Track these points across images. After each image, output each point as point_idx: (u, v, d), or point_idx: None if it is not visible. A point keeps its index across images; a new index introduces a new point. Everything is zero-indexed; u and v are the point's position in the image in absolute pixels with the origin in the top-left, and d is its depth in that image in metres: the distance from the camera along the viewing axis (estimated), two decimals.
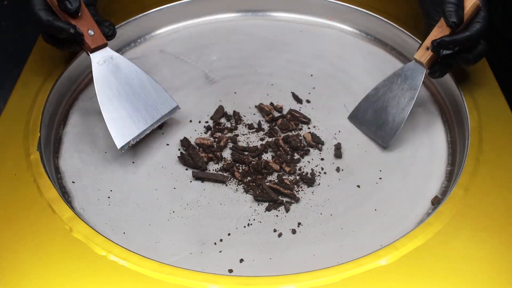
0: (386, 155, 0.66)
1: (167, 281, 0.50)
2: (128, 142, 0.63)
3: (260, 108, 0.71)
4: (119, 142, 0.62)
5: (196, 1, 0.84)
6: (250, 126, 0.69)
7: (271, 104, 0.72)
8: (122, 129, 0.63)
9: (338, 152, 0.66)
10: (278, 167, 0.63)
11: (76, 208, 0.60)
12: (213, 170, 0.64)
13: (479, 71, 0.71)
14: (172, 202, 0.61)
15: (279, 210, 0.60)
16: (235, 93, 0.74)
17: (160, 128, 0.68)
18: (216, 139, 0.67)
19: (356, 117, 0.69)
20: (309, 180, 0.62)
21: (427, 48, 0.64)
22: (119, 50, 0.80)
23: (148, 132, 0.65)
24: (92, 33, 0.63)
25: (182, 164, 0.65)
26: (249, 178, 0.63)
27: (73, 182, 0.62)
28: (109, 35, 0.65)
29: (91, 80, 0.75)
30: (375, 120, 0.67)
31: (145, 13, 0.82)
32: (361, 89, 0.74)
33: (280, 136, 0.68)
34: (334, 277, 0.50)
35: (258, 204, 0.61)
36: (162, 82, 0.75)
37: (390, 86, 0.67)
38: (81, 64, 0.75)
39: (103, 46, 0.64)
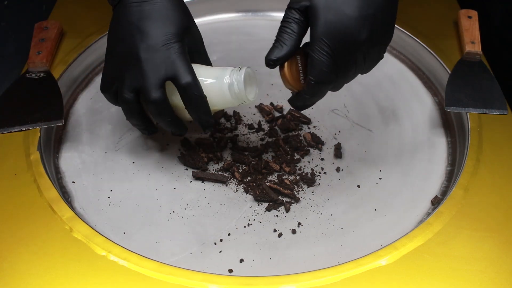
0: (386, 155, 0.66)
1: (167, 281, 0.50)
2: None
3: (260, 108, 0.71)
4: None
5: (196, 1, 0.84)
6: (250, 126, 0.69)
7: (271, 104, 0.72)
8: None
9: (338, 152, 0.66)
10: (278, 167, 0.63)
11: (76, 208, 0.60)
12: (213, 170, 0.64)
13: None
14: (172, 202, 0.61)
15: (279, 210, 0.60)
16: None
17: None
18: (216, 139, 0.67)
19: (454, 104, 0.66)
20: (309, 180, 0.62)
21: (472, 42, 0.74)
22: None
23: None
24: None
25: (182, 164, 0.65)
26: (249, 178, 0.63)
27: (73, 182, 0.62)
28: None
29: (91, 80, 0.75)
30: (477, 95, 0.67)
31: None
32: (361, 89, 0.74)
33: (280, 136, 0.68)
34: (334, 277, 0.50)
35: (258, 204, 0.61)
36: None
37: (462, 70, 0.70)
38: (81, 64, 0.75)
39: None
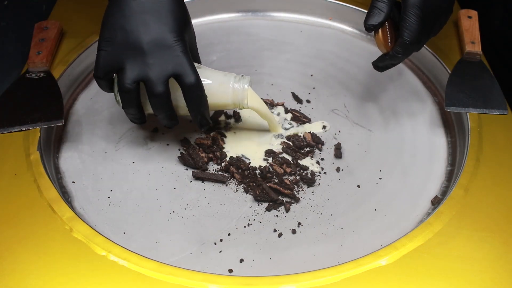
0: (386, 155, 0.66)
1: (167, 281, 0.50)
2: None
3: None
4: None
5: (196, 1, 0.84)
6: None
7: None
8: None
9: (338, 152, 0.66)
10: (282, 171, 0.63)
11: (76, 208, 0.60)
12: (213, 170, 0.64)
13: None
14: (172, 202, 0.61)
15: (279, 210, 0.60)
16: None
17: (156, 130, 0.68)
18: (216, 139, 0.67)
19: (454, 104, 0.67)
20: (309, 180, 0.62)
21: (472, 42, 0.74)
22: None
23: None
24: None
25: (182, 164, 0.65)
26: (249, 178, 0.63)
27: (73, 182, 0.62)
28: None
29: (91, 80, 0.75)
30: (477, 95, 0.67)
31: None
32: (361, 89, 0.74)
33: None
34: (334, 277, 0.50)
35: (258, 204, 0.61)
36: None
37: (462, 70, 0.71)
38: (81, 64, 0.75)
39: None
